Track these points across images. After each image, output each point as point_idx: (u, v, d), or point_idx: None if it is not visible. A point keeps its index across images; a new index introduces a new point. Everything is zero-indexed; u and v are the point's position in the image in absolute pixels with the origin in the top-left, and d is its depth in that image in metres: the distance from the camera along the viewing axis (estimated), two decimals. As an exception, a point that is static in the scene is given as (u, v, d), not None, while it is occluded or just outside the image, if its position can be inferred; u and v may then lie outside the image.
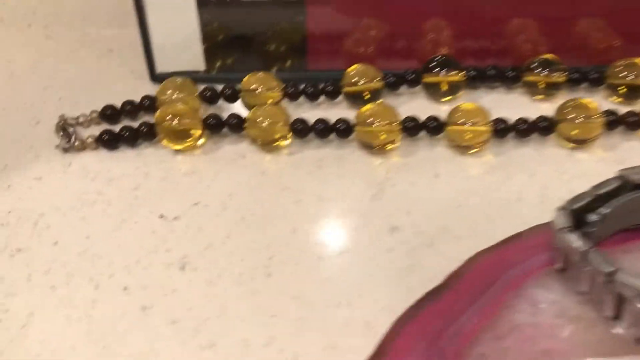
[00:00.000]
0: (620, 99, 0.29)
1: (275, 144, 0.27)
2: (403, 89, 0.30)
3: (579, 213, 0.20)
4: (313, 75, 0.30)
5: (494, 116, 0.27)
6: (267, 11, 0.29)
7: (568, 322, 0.19)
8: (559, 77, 0.29)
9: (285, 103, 0.29)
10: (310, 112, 0.29)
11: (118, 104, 0.29)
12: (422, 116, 0.27)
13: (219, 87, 0.29)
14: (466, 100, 0.29)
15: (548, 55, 0.29)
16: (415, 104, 0.29)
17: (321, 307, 0.21)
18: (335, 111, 0.29)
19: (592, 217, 0.20)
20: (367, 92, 0.29)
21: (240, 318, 0.21)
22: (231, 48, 0.30)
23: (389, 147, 0.27)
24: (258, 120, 0.27)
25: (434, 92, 0.29)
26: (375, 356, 0.19)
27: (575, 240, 0.19)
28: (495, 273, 0.21)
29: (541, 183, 0.26)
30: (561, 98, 0.28)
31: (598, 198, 0.21)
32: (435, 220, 0.24)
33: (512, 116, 0.27)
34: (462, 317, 0.20)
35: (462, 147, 0.27)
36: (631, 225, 0.22)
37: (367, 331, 0.21)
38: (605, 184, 0.21)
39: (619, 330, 0.19)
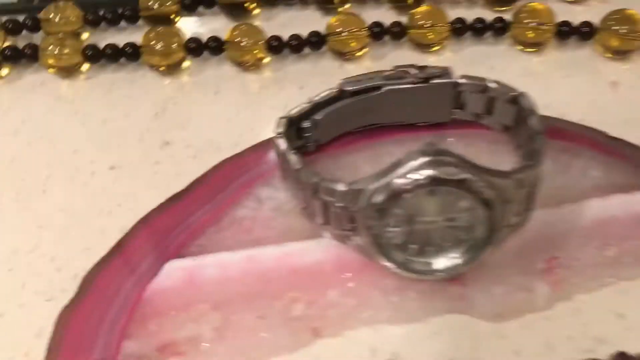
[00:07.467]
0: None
1: (74, 70, 0.29)
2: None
3: (298, 120, 0.23)
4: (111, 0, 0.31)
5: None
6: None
7: (282, 215, 0.23)
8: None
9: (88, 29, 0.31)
10: (114, 38, 0.30)
11: None
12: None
13: (21, 18, 0.31)
14: None
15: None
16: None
17: (83, 217, 0.24)
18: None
19: (305, 123, 0.23)
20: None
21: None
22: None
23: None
24: (49, 48, 0.29)
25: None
26: (111, 253, 0.22)
27: (289, 154, 0.21)
28: (232, 176, 0.24)
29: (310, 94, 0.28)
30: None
31: (316, 107, 0.23)
32: (204, 134, 0.27)
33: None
34: (194, 216, 0.23)
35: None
36: (354, 129, 0.25)
37: (120, 235, 0.24)
38: (322, 93, 0.24)
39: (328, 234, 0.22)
